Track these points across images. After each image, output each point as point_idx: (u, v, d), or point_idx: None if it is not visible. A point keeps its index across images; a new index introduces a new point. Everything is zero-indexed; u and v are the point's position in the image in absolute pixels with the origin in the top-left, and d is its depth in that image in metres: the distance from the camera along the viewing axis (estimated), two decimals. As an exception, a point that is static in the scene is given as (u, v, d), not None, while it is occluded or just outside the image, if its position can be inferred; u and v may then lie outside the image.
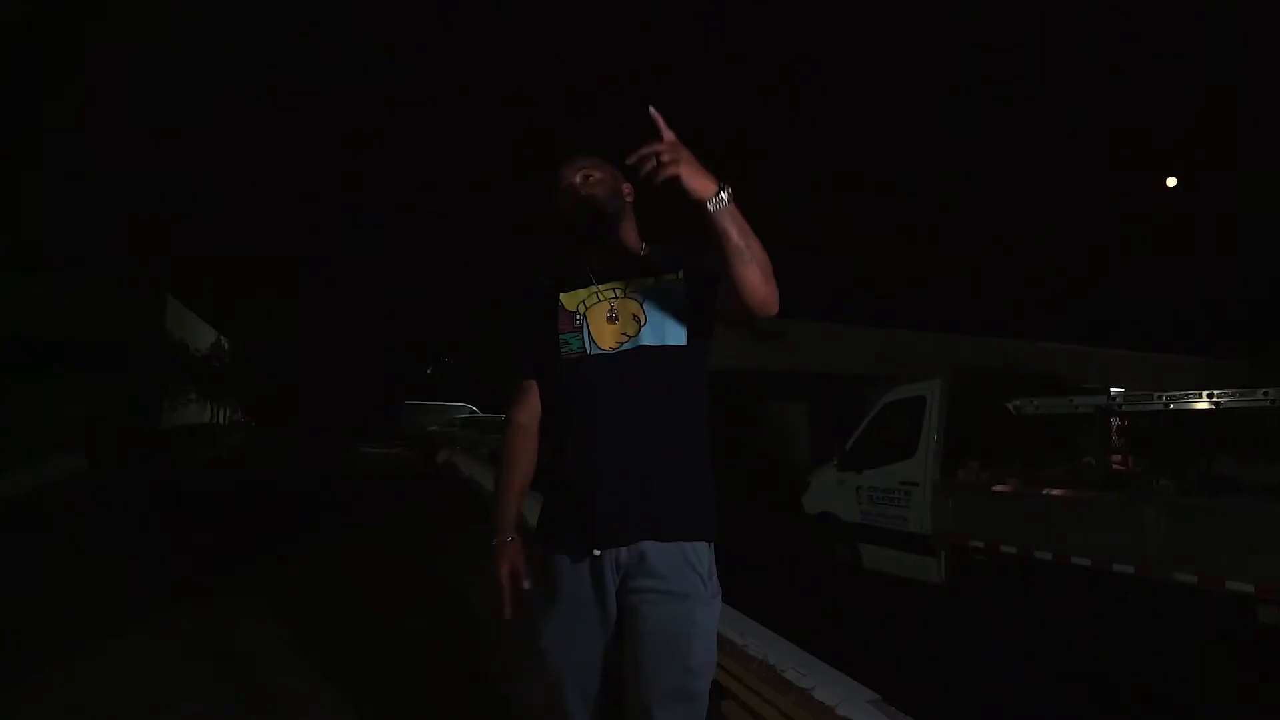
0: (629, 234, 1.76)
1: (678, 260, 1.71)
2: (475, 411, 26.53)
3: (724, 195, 1.40)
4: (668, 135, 1.39)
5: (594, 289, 1.70)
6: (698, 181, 1.38)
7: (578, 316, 1.69)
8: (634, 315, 1.66)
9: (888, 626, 5.20)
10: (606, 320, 1.67)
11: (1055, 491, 5.14)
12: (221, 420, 22.86)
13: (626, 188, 1.77)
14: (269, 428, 22.69)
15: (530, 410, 1.78)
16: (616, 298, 1.69)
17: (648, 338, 1.65)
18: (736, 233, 1.42)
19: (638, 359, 1.64)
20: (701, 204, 1.40)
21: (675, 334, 1.65)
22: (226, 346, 22.01)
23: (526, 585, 1.70)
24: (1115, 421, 6.09)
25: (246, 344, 22.31)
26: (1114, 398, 5.42)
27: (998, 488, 5.55)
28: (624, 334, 1.66)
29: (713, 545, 1.66)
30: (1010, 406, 5.89)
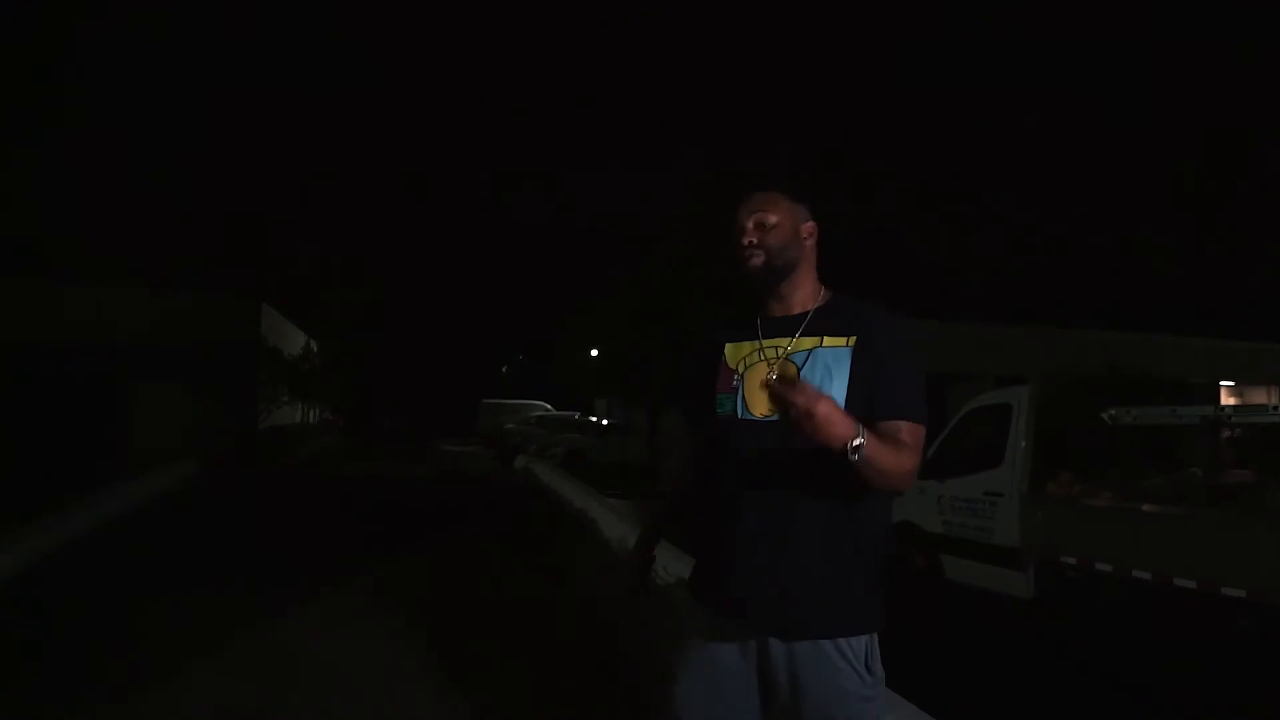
0: (804, 282, 1.63)
1: (851, 323, 1.56)
2: (549, 409, 26.94)
3: (858, 445, 1.33)
4: (799, 399, 1.30)
5: (758, 345, 1.61)
6: (831, 436, 1.32)
7: (736, 376, 1.60)
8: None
9: (969, 645, 5.00)
10: (762, 384, 1.53)
11: (1157, 506, 4.83)
12: (311, 420, 23.98)
13: (808, 228, 1.64)
14: (355, 427, 23.68)
15: (688, 446, 1.76)
16: (777, 359, 1.57)
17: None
18: (873, 474, 1.38)
19: (786, 433, 1.48)
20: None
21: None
22: (315, 350, 23.06)
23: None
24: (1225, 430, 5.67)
25: (335, 346, 23.31)
26: (1222, 409, 5.04)
27: (1092, 501, 5.26)
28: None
29: (874, 634, 1.53)
30: (1105, 416, 5.56)
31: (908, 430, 1.48)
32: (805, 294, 1.63)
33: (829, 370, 1.53)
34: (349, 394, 23.31)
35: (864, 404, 1.50)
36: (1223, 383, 22.72)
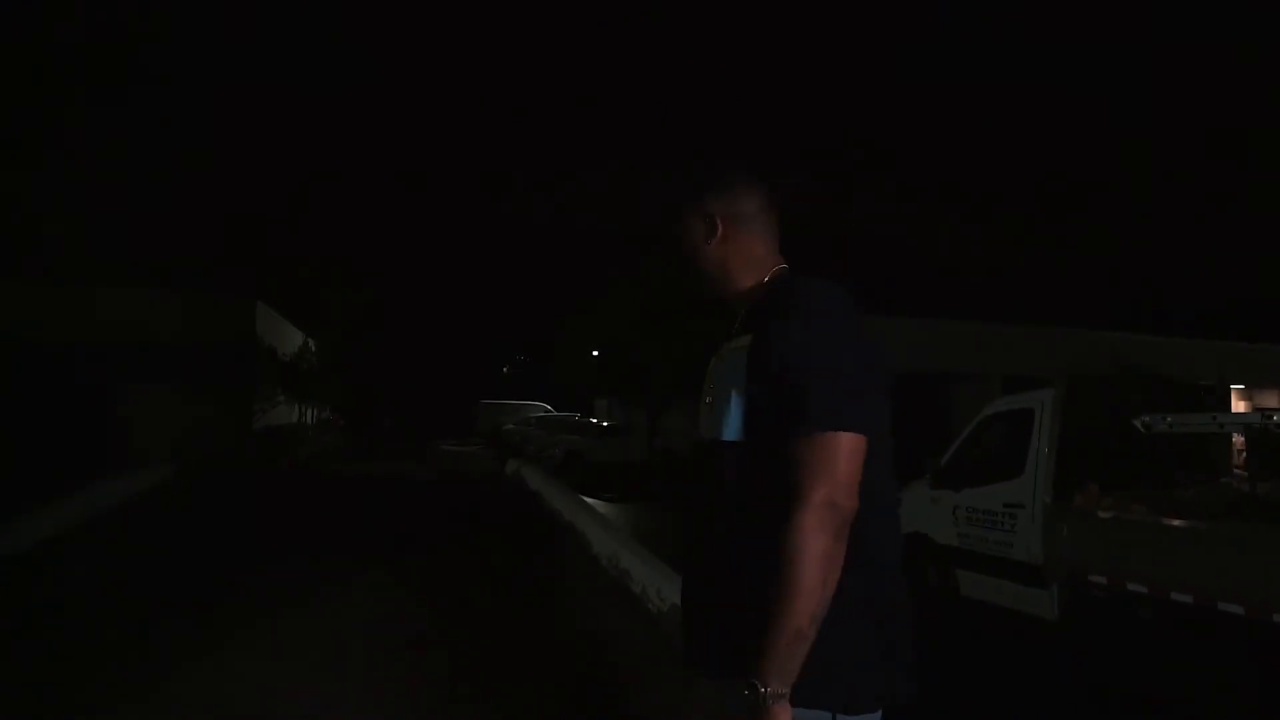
0: (736, 281, 1.37)
1: (756, 317, 1.28)
2: (549, 410, 26.64)
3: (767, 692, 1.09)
4: None
5: (721, 350, 1.36)
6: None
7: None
8: (708, 396, 1.32)
9: (985, 669, 4.64)
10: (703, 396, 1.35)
11: (1197, 521, 4.45)
12: (309, 420, 23.65)
13: (707, 224, 1.38)
14: (355, 427, 23.37)
15: None
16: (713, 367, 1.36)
17: (706, 428, 1.29)
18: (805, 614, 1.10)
19: (705, 452, 1.29)
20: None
21: (731, 426, 1.23)
22: (313, 349, 22.72)
23: None
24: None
25: (334, 345, 22.98)
26: (1269, 416, 4.67)
27: (1124, 514, 4.88)
28: (704, 417, 1.33)
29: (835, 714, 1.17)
30: (1138, 423, 5.18)
31: (804, 447, 1.13)
32: (747, 285, 1.37)
33: (727, 382, 1.25)
34: (349, 394, 22.99)
35: (765, 420, 1.19)
36: (1233, 386, 22.30)
